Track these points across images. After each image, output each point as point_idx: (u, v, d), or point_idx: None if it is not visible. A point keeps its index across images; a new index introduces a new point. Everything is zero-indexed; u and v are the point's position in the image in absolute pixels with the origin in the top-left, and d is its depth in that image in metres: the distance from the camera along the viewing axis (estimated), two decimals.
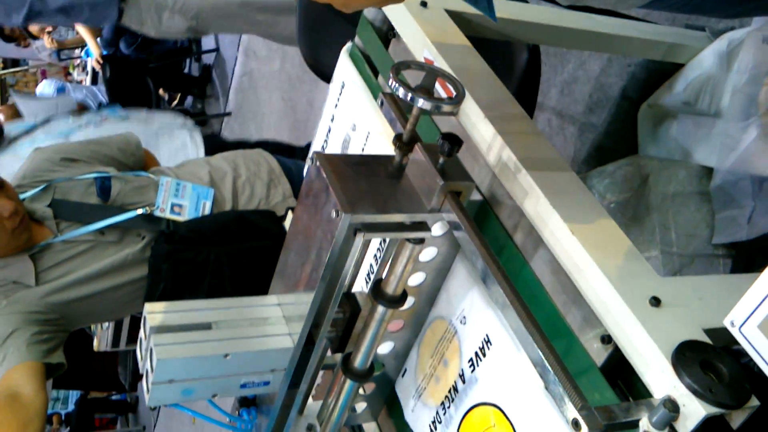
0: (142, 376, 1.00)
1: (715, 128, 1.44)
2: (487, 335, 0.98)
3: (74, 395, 9.67)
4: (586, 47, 1.87)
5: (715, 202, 1.44)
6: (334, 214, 0.86)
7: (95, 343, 5.36)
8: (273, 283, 1.08)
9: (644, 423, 0.66)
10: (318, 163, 0.91)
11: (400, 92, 0.88)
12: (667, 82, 1.50)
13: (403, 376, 1.22)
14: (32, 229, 1.75)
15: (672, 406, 0.65)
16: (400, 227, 0.92)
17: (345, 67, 1.40)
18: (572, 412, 0.71)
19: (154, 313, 0.98)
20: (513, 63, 1.50)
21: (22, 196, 1.80)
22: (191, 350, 0.95)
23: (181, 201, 1.89)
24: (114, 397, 9.50)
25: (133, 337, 5.28)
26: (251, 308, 1.04)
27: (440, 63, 1.12)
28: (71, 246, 1.79)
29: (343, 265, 0.92)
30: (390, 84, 0.89)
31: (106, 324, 5.16)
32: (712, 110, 1.45)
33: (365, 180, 0.92)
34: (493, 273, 0.85)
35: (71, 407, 9.41)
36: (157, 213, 1.85)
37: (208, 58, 6.15)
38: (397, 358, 1.22)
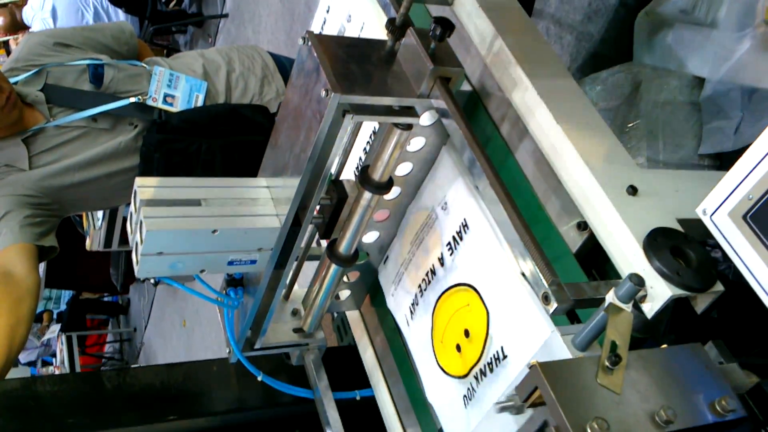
0: (131, 251, 1.03)
1: (710, 38, 1.44)
2: (465, 219, 1.00)
3: (66, 295, 9.78)
4: None
5: (704, 113, 1.45)
6: (323, 94, 0.87)
7: (87, 242, 5.36)
8: (263, 166, 1.09)
9: (610, 296, 0.69)
10: (310, 43, 0.92)
11: None
12: None
13: (385, 263, 1.25)
14: (24, 112, 1.75)
15: (637, 280, 0.68)
16: (388, 111, 0.93)
17: None
18: (542, 287, 0.74)
19: (145, 187, 1.00)
20: None
21: (14, 80, 1.79)
22: (180, 224, 0.98)
23: (174, 92, 1.88)
24: (106, 299, 9.64)
25: (125, 239, 5.31)
26: (241, 188, 1.05)
27: None
28: (64, 131, 1.79)
29: (330, 147, 0.93)
30: None
31: (99, 223, 5.17)
32: (708, 19, 1.44)
33: (356, 63, 0.93)
34: (477, 159, 0.87)
35: (63, 307, 9.55)
36: (150, 102, 1.85)
37: None
38: (381, 249, 1.25)
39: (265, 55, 2.15)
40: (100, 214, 5.13)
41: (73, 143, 1.81)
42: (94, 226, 5.36)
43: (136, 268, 1.00)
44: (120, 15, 5.33)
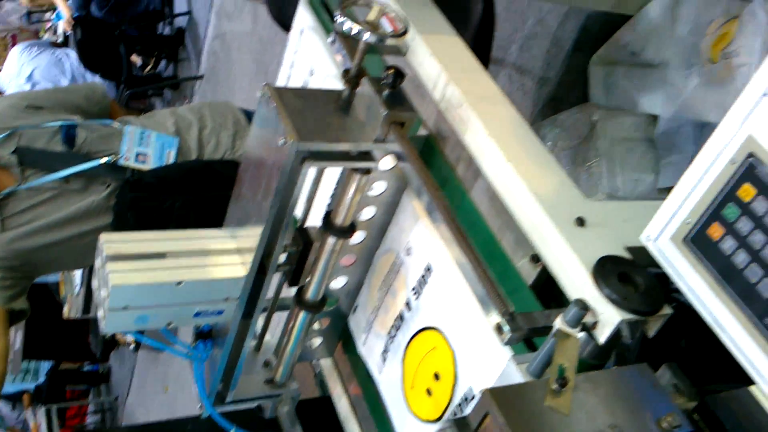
0: (97, 306, 1.04)
1: (660, 77, 1.49)
2: (428, 262, 1.03)
3: (45, 366, 9.60)
4: None
5: (659, 148, 1.50)
6: (281, 142, 0.90)
7: (65, 309, 5.31)
8: (227, 217, 1.12)
9: (558, 322, 0.71)
10: (268, 95, 0.95)
11: (346, 26, 0.92)
12: (616, 33, 1.55)
13: (354, 311, 1.27)
14: None
15: (582, 305, 0.71)
16: (346, 156, 0.96)
17: (304, 15, 1.43)
18: (495, 318, 0.76)
19: (110, 242, 1.02)
20: (469, 11, 1.54)
21: None
22: (145, 277, 0.99)
23: (146, 150, 1.91)
24: (86, 368, 9.47)
25: None
26: (206, 239, 1.08)
27: (391, 8, 1.16)
28: (36, 193, 1.81)
29: (291, 194, 0.96)
30: (337, 19, 0.93)
31: (77, 290, 5.13)
32: (657, 60, 1.50)
33: (314, 112, 0.96)
34: (433, 200, 0.90)
35: (42, 379, 9.36)
36: (122, 161, 1.87)
37: (180, 21, 6.11)
38: (350, 294, 1.27)
39: (236, 110, 2.19)
40: (77, 280, 5.09)
41: (46, 205, 1.82)
42: (72, 292, 5.31)
43: (102, 323, 1.01)
44: (96, 80, 5.40)
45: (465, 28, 1.55)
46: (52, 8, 6.63)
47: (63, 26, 6.01)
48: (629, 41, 1.51)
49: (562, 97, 1.80)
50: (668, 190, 1.51)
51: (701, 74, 1.43)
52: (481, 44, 1.56)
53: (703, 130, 1.42)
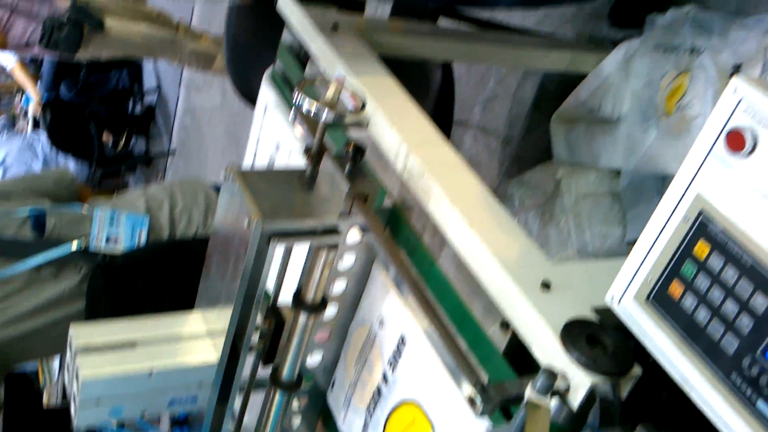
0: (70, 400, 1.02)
1: (619, 132, 1.53)
2: (402, 335, 1.03)
3: None
4: (493, 62, 1.97)
5: (624, 202, 1.52)
6: (247, 223, 0.91)
7: (45, 398, 5.20)
8: (197, 299, 1.12)
9: (528, 392, 0.71)
10: (232, 177, 0.96)
11: (305, 105, 0.93)
12: (573, 91, 1.59)
13: (332, 387, 1.26)
14: None
15: (549, 374, 0.71)
16: (312, 233, 0.97)
17: (267, 91, 1.45)
18: (467, 390, 0.76)
19: (79, 334, 1.01)
20: (429, 80, 1.58)
21: None
22: (116, 368, 0.98)
23: (117, 231, 1.91)
24: None
25: None
26: (176, 325, 1.07)
27: (351, 82, 1.19)
28: (7, 283, 1.79)
29: (260, 273, 0.96)
30: (295, 99, 0.95)
31: (56, 376, 5.03)
32: (615, 115, 1.53)
33: (278, 191, 0.97)
34: (399, 272, 0.91)
35: None
36: (93, 245, 1.87)
37: (150, 98, 6.16)
38: (326, 369, 1.26)
39: (207, 187, 2.20)
40: (56, 365, 4.99)
41: (18, 294, 1.81)
42: (50, 380, 5.20)
43: (74, 419, 1.00)
44: (68, 161, 5.41)
45: (426, 95, 1.59)
46: (21, 91, 6.65)
47: (33, 109, 6.04)
48: (586, 98, 1.55)
49: (526, 156, 1.83)
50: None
51: (658, 127, 1.47)
52: (443, 109, 1.59)
53: (666, 181, 1.44)
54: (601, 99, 1.53)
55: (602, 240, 1.52)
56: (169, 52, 3.69)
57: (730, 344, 0.68)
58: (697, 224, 0.71)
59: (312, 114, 0.93)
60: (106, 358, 0.98)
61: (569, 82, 1.66)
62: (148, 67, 6.02)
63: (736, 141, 0.67)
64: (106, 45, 3.52)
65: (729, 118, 0.67)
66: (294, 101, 0.94)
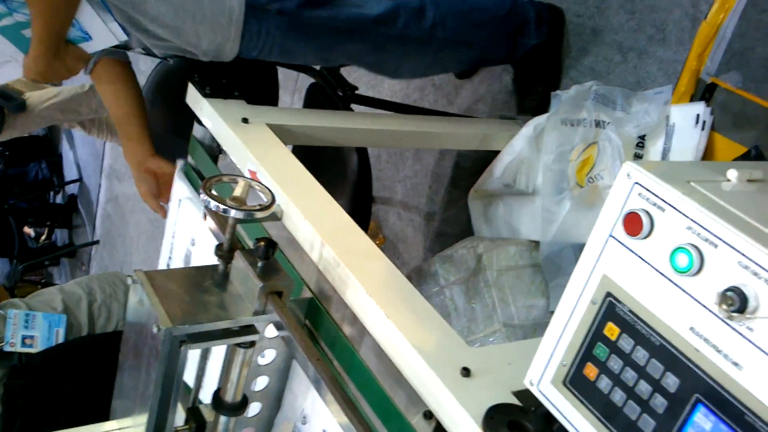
0: None
1: (535, 205, 1.56)
2: (325, 429, 1.00)
3: None
4: (407, 145, 2.01)
5: (545, 273, 1.54)
6: (155, 329, 0.88)
7: None
8: (112, 407, 1.07)
9: None
10: (140, 282, 0.93)
11: (212, 205, 0.92)
12: (488, 167, 1.62)
13: None
14: None
15: None
16: (227, 333, 0.94)
17: (180, 186, 1.44)
18: None
19: None
20: (345, 165, 1.59)
21: None
22: None
23: (32, 332, 1.84)
24: None
25: None
26: None
27: (263, 174, 1.18)
28: None
29: (173, 379, 0.93)
30: (202, 198, 0.93)
31: None
32: (529, 189, 1.57)
33: (189, 292, 0.95)
34: (319, 371, 0.89)
35: None
36: (8, 348, 1.79)
37: (72, 188, 6.04)
38: None
39: (126, 279, 2.15)
40: None
41: None
42: None
43: None
44: None
45: (344, 180, 1.60)
46: None
47: None
48: (501, 174, 1.58)
49: (448, 232, 1.85)
50: None
51: (572, 199, 1.50)
52: (361, 193, 1.60)
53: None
54: (515, 174, 1.56)
55: (527, 312, 1.53)
56: (86, 108, 3.70)
57: (647, 424, 0.68)
58: (605, 306, 0.72)
59: (221, 211, 0.92)
60: None
61: (483, 158, 1.70)
62: (68, 158, 5.92)
63: (633, 224, 0.68)
64: (29, 123, 3.53)
65: (625, 203, 0.69)
66: (201, 200, 0.93)
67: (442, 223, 1.87)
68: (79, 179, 5.89)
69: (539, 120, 1.55)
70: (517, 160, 1.55)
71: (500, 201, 1.66)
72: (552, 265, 1.54)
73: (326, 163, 1.51)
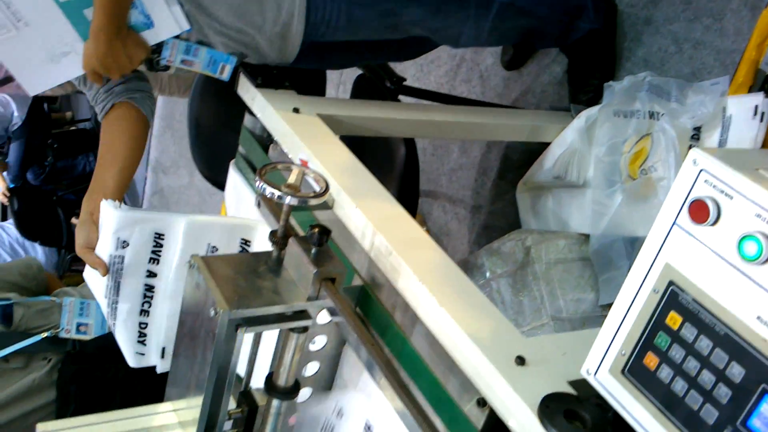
0: None
1: (586, 197, 1.54)
2: (367, 420, 1.00)
3: None
4: (456, 136, 2.00)
5: (596, 266, 1.52)
6: (212, 313, 0.89)
7: None
8: (167, 390, 1.09)
9: None
10: (196, 267, 0.95)
11: (267, 192, 0.93)
12: (537, 160, 1.61)
13: None
14: None
15: None
16: (281, 318, 0.95)
17: (234, 177, 1.45)
18: None
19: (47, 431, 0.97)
20: (393, 156, 1.59)
21: None
22: None
23: (87, 319, 1.87)
24: None
25: None
26: (145, 417, 1.04)
27: (314, 163, 1.19)
28: None
29: (228, 362, 0.94)
30: (257, 185, 0.94)
31: None
32: (580, 181, 1.55)
33: (244, 277, 0.96)
34: (369, 355, 0.89)
35: None
36: (63, 334, 1.83)
37: None
38: None
39: None
40: None
41: None
42: None
43: None
44: (37, 248, 5.33)
45: (391, 169, 1.60)
46: None
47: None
48: (551, 166, 1.57)
49: (495, 225, 1.84)
50: (610, 305, 1.53)
51: (623, 191, 1.48)
52: (408, 185, 1.60)
53: (635, 244, 1.46)
54: (565, 166, 1.55)
55: (576, 305, 1.51)
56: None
57: (710, 415, 0.67)
58: (667, 295, 0.71)
59: (276, 198, 0.93)
60: None
61: (532, 151, 1.69)
62: None
63: (699, 212, 0.67)
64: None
65: (690, 190, 0.68)
66: (256, 185, 0.94)
67: (489, 216, 1.86)
68: None
69: (591, 111, 1.53)
70: (568, 152, 1.54)
71: (549, 194, 1.65)
72: (602, 258, 1.52)
73: (374, 154, 1.51)
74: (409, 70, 2.12)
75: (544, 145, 1.60)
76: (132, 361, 1.43)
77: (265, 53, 1.40)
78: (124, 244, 1.29)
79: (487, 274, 1.59)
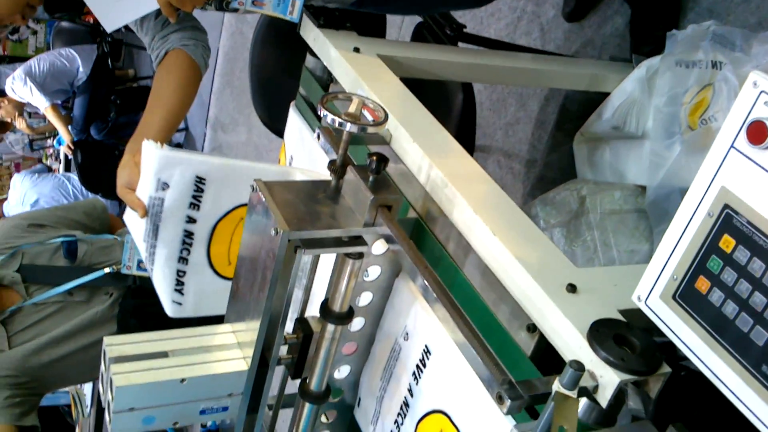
0: (104, 409, 1.04)
1: (644, 148, 1.53)
2: (426, 345, 1.03)
3: None
4: (514, 83, 1.99)
5: (651, 218, 1.52)
6: (273, 233, 0.92)
7: None
8: (227, 312, 1.13)
9: (555, 385, 0.71)
10: (258, 189, 0.98)
11: (328, 119, 0.95)
12: (596, 110, 1.60)
13: (359, 403, 1.26)
14: (1, 293, 1.79)
15: (577, 365, 0.71)
16: (338, 243, 0.98)
17: (294, 118, 1.48)
18: (495, 388, 0.76)
19: (113, 345, 1.02)
20: (450, 102, 1.60)
21: None
22: (149, 376, 0.99)
23: None
24: None
25: None
26: (206, 336, 1.08)
27: (373, 98, 1.21)
28: (41, 308, 1.83)
29: (287, 283, 0.97)
30: (319, 112, 0.97)
31: (88, 411, 5.06)
32: (639, 132, 1.54)
33: (304, 202, 0.99)
34: (425, 280, 0.91)
35: None
36: (125, 270, 1.90)
37: (177, 137, 6.26)
38: (353, 385, 1.26)
39: None
40: (88, 401, 5.01)
41: (51, 319, 1.84)
42: (83, 413, 5.24)
43: (108, 427, 1.01)
44: (102, 201, 5.51)
45: (448, 117, 1.61)
46: (53, 134, 6.81)
47: (64, 150, 6.18)
48: (610, 117, 1.56)
49: (550, 177, 1.84)
50: None
51: (682, 142, 1.47)
52: (465, 131, 1.61)
53: None
54: (624, 116, 1.54)
55: (629, 256, 1.51)
56: None
57: (760, 336, 0.68)
58: (721, 218, 0.71)
59: (336, 125, 0.95)
60: (139, 367, 0.99)
61: (590, 101, 1.67)
62: None
63: (757, 133, 0.67)
64: None
65: (750, 111, 0.68)
66: (318, 113, 0.96)
67: (544, 168, 1.86)
68: (185, 128, 6.10)
69: (653, 61, 1.51)
70: (627, 102, 1.53)
71: (607, 145, 1.64)
72: (658, 209, 1.51)
73: (431, 100, 1.52)
74: (468, 24, 2.12)
75: (604, 96, 1.59)
76: (169, 309, 1.45)
77: None
78: (165, 186, 1.28)
79: (541, 224, 1.59)
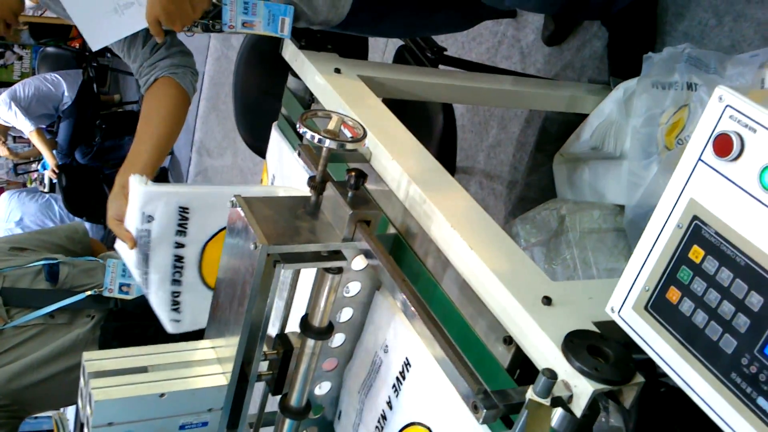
0: (83, 426, 1.03)
1: (622, 168, 1.55)
2: (406, 358, 1.04)
3: None
4: (494, 104, 2.01)
5: (629, 236, 1.54)
6: (252, 247, 0.93)
7: None
8: (207, 328, 1.13)
9: (529, 393, 0.72)
10: (238, 205, 0.99)
11: (308, 135, 0.97)
12: (575, 131, 1.63)
13: (339, 417, 1.26)
14: None
15: (550, 374, 0.72)
16: (317, 257, 0.99)
17: (276, 138, 1.50)
18: (471, 397, 0.77)
19: (92, 360, 1.03)
20: (431, 123, 1.62)
21: None
22: (128, 391, 0.99)
23: (129, 280, 1.94)
24: None
25: None
26: (186, 352, 1.08)
27: (353, 117, 1.22)
28: (22, 331, 1.82)
29: (266, 297, 0.98)
30: (299, 129, 0.98)
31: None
32: (617, 152, 1.56)
33: (283, 218, 1.00)
34: (403, 294, 0.92)
35: None
36: (106, 293, 1.89)
37: (164, 162, 6.26)
38: (333, 400, 1.27)
39: None
40: (71, 425, 4.95)
41: (32, 341, 1.83)
42: None
43: None
44: (85, 225, 5.48)
45: (429, 138, 1.63)
46: (38, 159, 6.78)
47: (49, 174, 6.15)
48: (588, 138, 1.58)
49: (531, 197, 1.86)
50: None
51: (660, 162, 1.49)
52: (446, 151, 1.63)
53: None
54: (603, 137, 1.56)
55: (608, 274, 1.53)
56: None
57: (729, 344, 0.69)
58: (691, 229, 0.73)
59: (315, 141, 0.96)
60: (118, 382, 0.99)
61: (569, 123, 1.70)
62: None
63: (723, 146, 0.69)
64: None
65: (716, 125, 0.70)
66: (297, 129, 0.98)
67: (525, 188, 1.88)
68: (171, 153, 6.10)
69: (629, 83, 1.54)
70: (606, 123, 1.55)
71: (586, 165, 1.66)
72: (636, 228, 1.53)
73: (412, 120, 1.54)
74: (450, 48, 2.15)
75: (582, 117, 1.62)
76: (169, 327, 1.50)
77: (317, 6, 1.41)
78: (150, 219, 1.33)
79: (522, 243, 1.61)
